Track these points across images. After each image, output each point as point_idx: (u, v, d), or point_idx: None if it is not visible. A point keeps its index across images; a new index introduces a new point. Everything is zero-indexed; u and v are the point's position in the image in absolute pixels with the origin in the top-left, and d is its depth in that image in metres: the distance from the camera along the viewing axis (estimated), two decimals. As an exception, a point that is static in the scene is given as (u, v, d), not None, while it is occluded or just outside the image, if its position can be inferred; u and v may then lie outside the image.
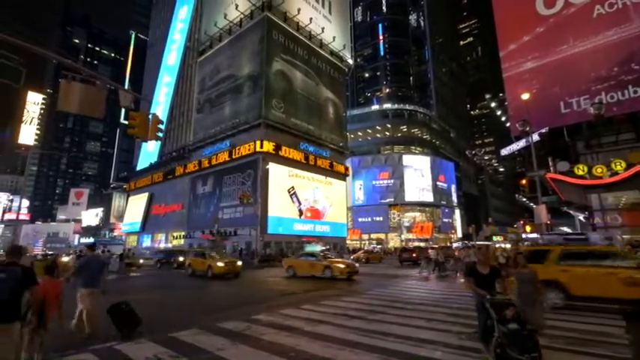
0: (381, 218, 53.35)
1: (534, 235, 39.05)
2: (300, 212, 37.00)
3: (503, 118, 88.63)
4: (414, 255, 25.19)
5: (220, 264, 17.23)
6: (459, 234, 60.04)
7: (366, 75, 71.34)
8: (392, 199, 53.45)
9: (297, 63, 40.74)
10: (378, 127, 63.46)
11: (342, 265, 15.99)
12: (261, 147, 34.20)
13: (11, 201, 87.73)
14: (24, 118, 68.78)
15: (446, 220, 58.07)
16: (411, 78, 69.21)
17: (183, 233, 41.96)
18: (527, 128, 17.35)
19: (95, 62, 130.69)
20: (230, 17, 41.74)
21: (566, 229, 34.56)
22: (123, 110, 73.07)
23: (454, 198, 62.04)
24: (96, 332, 5.94)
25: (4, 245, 57.15)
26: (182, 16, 56.63)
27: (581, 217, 24.54)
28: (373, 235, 53.44)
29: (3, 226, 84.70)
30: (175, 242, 43.28)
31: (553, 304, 7.80)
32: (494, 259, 17.26)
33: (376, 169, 55.53)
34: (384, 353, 5.04)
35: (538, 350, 3.76)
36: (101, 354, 5.17)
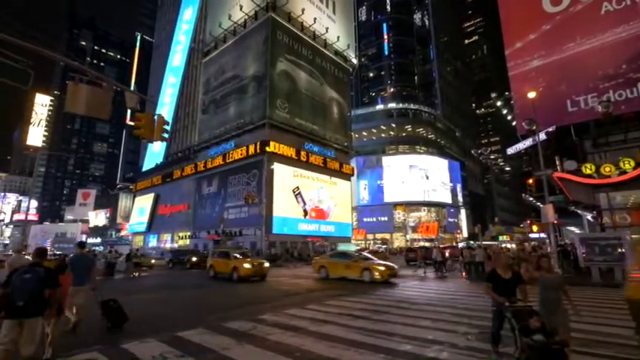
0: (386, 218, 53.20)
1: (541, 235, 38.70)
2: (305, 212, 37.02)
3: (509, 117, 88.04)
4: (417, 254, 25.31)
5: (247, 265, 15.71)
6: (465, 234, 59.66)
7: (371, 74, 71.17)
8: (403, 199, 53.25)
9: (301, 63, 40.77)
10: (382, 127, 63.29)
11: (382, 267, 14.35)
12: (266, 147, 34.26)
13: (20, 202, 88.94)
14: (32, 120, 69.73)
15: (451, 219, 57.75)
16: (416, 77, 68.91)
17: (188, 233, 42.20)
18: (534, 127, 17.18)
19: (101, 64, 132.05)
20: (234, 18, 41.89)
21: (574, 228, 34.18)
22: (129, 111, 73.68)
23: (460, 197, 61.67)
24: (81, 323, 6.13)
25: (14, 245, 57.94)
26: (187, 17, 56.97)
27: (589, 216, 24.24)
28: (378, 235, 53.29)
29: (12, 226, 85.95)
30: (181, 242, 43.54)
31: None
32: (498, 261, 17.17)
33: (381, 169, 55.37)
34: (390, 354, 5.03)
35: None
36: (108, 353, 5.22)
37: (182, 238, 43.71)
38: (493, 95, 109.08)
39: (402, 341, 5.66)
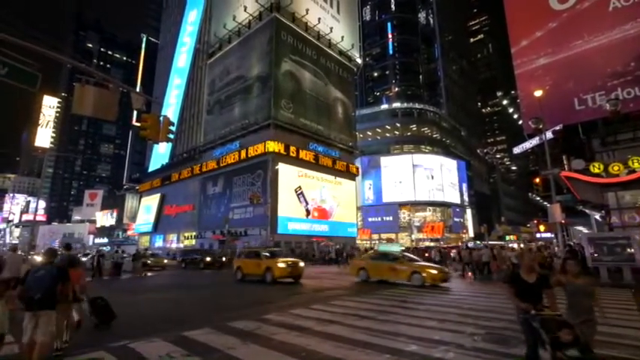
0: (391, 218, 53.03)
1: (548, 235, 38.35)
2: (308, 212, 36.92)
3: (515, 116, 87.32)
4: (426, 254, 25.22)
5: (282, 265, 14.39)
6: (471, 234, 59.26)
7: (375, 74, 70.94)
8: (402, 199, 53.07)
9: (305, 63, 40.80)
10: (387, 127, 63.07)
11: (434, 271, 13.29)
12: (271, 147, 34.34)
13: (28, 202, 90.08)
14: (40, 122, 70.56)
15: (457, 219, 57.38)
16: (421, 76, 68.56)
17: (194, 233, 42.44)
18: (541, 126, 17.02)
19: (108, 66, 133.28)
20: (239, 19, 42.03)
21: (581, 228, 33.79)
22: (135, 112, 74.25)
23: (465, 197, 61.24)
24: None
25: (23, 245, 58.62)
26: (192, 19, 57.28)
27: (597, 216, 23.94)
28: (383, 235, 53.12)
29: (21, 226, 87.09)
30: (187, 242, 43.80)
31: None
32: (502, 261, 16.99)
33: (386, 169, 55.16)
34: (396, 354, 5.01)
35: None
36: (115, 352, 5.26)
37: (188, 238, 43.97)
38: (499, 94, 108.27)
39: (408, 341, 5.64)
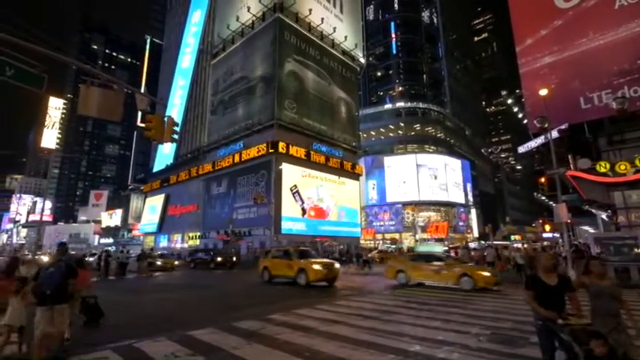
0: (395, 218, 52.88)
1: (554, 235, 38.06)
2: (304, 211, 36.26)
3: (520, 115, 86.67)
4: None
5: (317, 267, 13.07)
6: (475, 233, 58.94)
7: (379, 74, 70.78)
8: (406, 199, 52.90)
9: (309, 63, 40.80)
10: (391, 126, 62.90)
11: (486, 273, 12.18)
12: (274, 148, 34.38)
13: (35, 203, 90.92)
14: (46, 123, 71.25)
15: (461, 219, 57.10)
16: (424, 76, 68.29)
17: (198, 233, 42.60)
18: (546, 125, 16.88)
19: (112, 67, 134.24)
20: (242, 20, 42.13)
21: (588, 228, 33.49)
22: (139, 113, 74.77)
23: (470, 197, 60.90)
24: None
25: (30, 245, 59.24)
26: (195, 19, 57.50)
27: (603, 215, 23.73)
28: (387, 235, 53.01)
29: (28, 227, 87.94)
30: (191, 242, 43.97)
31: None
32: (506, 261, 16.89)
33: (389, 169, 55.03)
34: (400, 354, 4.99)
35: None
36: (121, 351, 5.29)
37: (192, 239, 44.14)
38: (504, 93, 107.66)
39: (412, 342, 5.61)
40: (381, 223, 53.51)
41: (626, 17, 19.09)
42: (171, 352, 5.18)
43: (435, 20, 73.18)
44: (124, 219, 78.17)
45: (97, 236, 76.67)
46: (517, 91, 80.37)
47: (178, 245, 46.81)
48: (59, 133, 76.63)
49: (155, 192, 55.80)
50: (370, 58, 65.72)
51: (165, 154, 57.57)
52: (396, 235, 52.38)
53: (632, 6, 19.04)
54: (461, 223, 56.40)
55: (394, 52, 67.96)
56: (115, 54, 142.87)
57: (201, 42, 54.57)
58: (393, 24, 68.57)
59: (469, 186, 60.83)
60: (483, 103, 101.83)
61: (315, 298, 10.72)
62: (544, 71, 21.88)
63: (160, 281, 17.84)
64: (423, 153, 56.91)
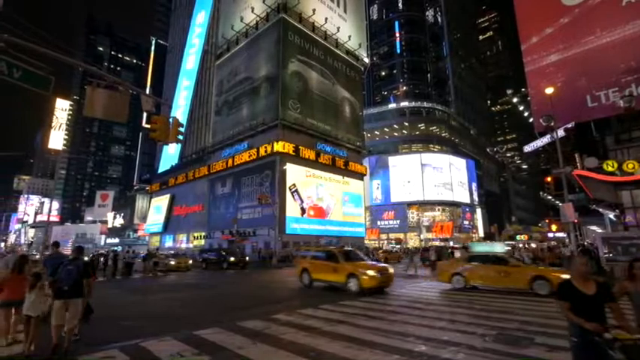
0: (400, 218, 52.76)
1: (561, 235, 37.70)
2: (303, 210, 35.90)
3: (525, 114, 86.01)
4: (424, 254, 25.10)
5: (373, 273, 11.28)
6: (481, 233, 58.60)
7: (383, 73, 70.62)
8: (410, 199, 52.76)
9: (313, 63, 40.82)
10: (395, 126, 62.74)
11: (565, 276, 9.69)
12: (278, 148, 34.44)
13: (42, 203, 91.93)
14: (53, 124, 71.99)
15: (466, 219, 56.80)
16: (429, 75, 68.02)
17: (203, 233, 42.81)
18: (552, 123, 16.74)
19: (118, 69, 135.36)
20: (246, 20, 42.26)
21: (595, 228, 33.14)
22: (145, 114, 75.31)
23: (475, 196, 60.57)
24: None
25: (37, 245, 59.94)
26: (200, 20, 57.79)
27: (611, 215, 23.47)
28: (392, 235, 52.90)
29: (35, 227, 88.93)
30: (196, 242, 44.21)
31: None
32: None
33: (394, 168, 54.91)
34: (405, 354, 4.98)
35: None
36: (128, 350, 5.34)
37: (197, 239, 44.38)
38: (509, 92, 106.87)
39: (418, 342, 5.60)
40: (386, 222, 53.43)
41: (633, 14, 18.85)
42: (177, 352, 5.21)
43: (440, 19, 72.86)
44: (130, 219, 78.75)
45: (103, 236, 77.33)
46: (523, 89, 79.89)
47: (184, 245, 47.08)
48: (66, 134, 77.30)
49: (160, 192, 56.18)
50: (374, 58, 65.58)
51: (170, 154, 57.94)
52: (401, 235, 52.27)
53: (639, 3, 18.80)
54: (466, 223, 56.10)
55: (398, 51, 67.76)
56: (120, 56, 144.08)
57: (205, 43, 54.83)
58: (397, 23, 68.37)
59: (474, 185, 60.48)
60: (488, 102, 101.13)
61: (318, 298, 10.73)
62: (550, 69, 21.68)
63: (169, 281, 17.91)
64: (428, 152, 56.69)
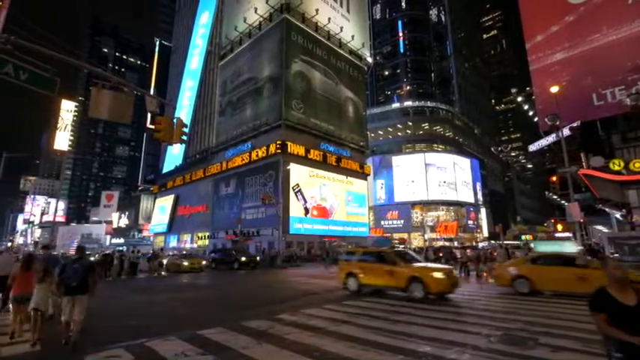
0: (404, 218, 52.59)
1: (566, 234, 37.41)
2: (306, 210, 35.91)
3: (530, 113, 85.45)
4: (440, 254, 24.95)
5: (439, 275, 9.97)
6: (485, 233, 58.26)
7: (386, 73, 70.42)
8: (414, 198, 52.56)
9: (316, 63, 40.83)
10: (399, 126, 62.55)
11: None
12: (282, 148, 34.48)
13: (48, 203, 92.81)
14: (59, 125, 72.64)
15: (471, 219, 56.50)
16: (433, 74, 67.73)
17: (207, 234, 42.97)
18: (557, 122, 16.62)
19: (122, 70, 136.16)
20: (250, 21, 42.37)
21: (601, 227, 32.82)
22: (149, 115, 75.83)
23: (479, 196, 60.23)
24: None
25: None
26: (203, 21, 58.01)
27: (618, 215, 23.24)
28: (396, 235, 52.74)
29: (41, 227, 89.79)
30: (200, 242, 44.39)
31: None
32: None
33: (398, 168, 54.75)
34: (410, 355, 4.96)
35: None
36: (133, 350, 5.38)
37: (201, 239, 44.56)
38: (513, 91, 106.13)
39: (422, 342, 5.58)
40: (390, 222, 53.28)
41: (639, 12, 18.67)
42: (182, 351, 5.24)
43: (443, 18, 72.55)
44: (135, 219, 79.25)
45: (108, 236, 77.89)
46: (527, 88, 79.26)
47: (188, 245, 47.28)
48: (71, 135, 78.02)
49: (165, 193, 56.46)
50: (377, 57, 65.47)
51: (174, 155, 58.22)
52: (405, 235, 52.09)
53: (646, 0, 18.62)
54: (470, 223, 55.83)
55: (402, 50, 67.54)
56: (124, 57, 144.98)
57: (209, 43, 55.04)
58: (400, 22, 68.16)
59: (478, 185, 60.17)
60: (493, 101, 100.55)
61: (321, 298, 10.73)
62: (555, 68, 21.53)
63: (174, 281, 17.97)
64: (432, 152, 56.46)
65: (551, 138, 21.94)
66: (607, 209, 23.41)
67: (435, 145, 59.51)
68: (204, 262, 23.23)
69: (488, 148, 78.11)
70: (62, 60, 8.86)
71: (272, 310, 8.54)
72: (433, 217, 53.48)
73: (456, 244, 41.73)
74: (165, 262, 24.30)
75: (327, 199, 38.33)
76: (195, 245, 45.14)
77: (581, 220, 16.61)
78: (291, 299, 10.55)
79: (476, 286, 13.66)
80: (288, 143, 34.96)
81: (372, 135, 57.21)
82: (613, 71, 18.94)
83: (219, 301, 11.09)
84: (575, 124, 19.13)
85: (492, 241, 45.63)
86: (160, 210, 57.71)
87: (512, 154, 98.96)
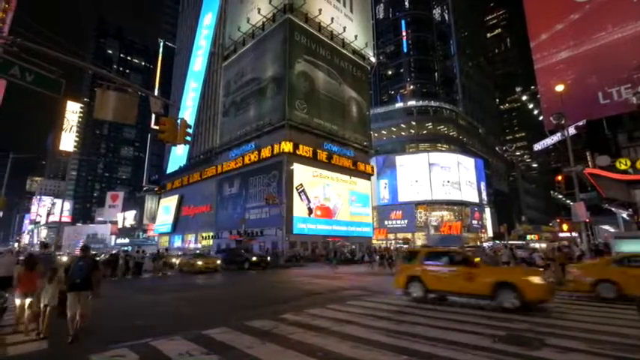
0: (408, 218, 52.43)
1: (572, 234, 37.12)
2: (310, 210, 35.84)
3: (535, 112, 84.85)
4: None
5: (536, 279, 8.31)
6: (490, 233, 57.94)
7: (390, 72, 70.25)
8: (418, 198, 52.40)
9: (319, 63, 40.83)
10: (402, 125, 62.39)
11: None
12: (285, 148, 34.52)
13: (54, 204, 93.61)
14: (64, 126, 73.21)
15: (475, 218, 56.22)
16: (436, 74, 67.47)
17: (211, 234, 43.13)
18: (562, 121, 16.48)
19: (127, 71, 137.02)
20: (253, 21, 42.46)
21: (608, 227, 32.53)
22: (153, 116, 76.25)
23: (484, 196, 59.91)
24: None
25: (50, 245, 60.95)
26: (207, 22, 58.23)
27: (624, 214, 23.01)
28: (400, 235, 52.60)
29: (47, 227, 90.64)
30: (204, 242, 44.57)
31: None
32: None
33: (401, 168, 54.61)
34: (414, 355, 4.95)
35: None
36: (138, 349, 5.41)
37: (205, 239, 44.73)
38: (518, 89, 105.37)
39: (426, 343, 5.56)
40: (393, 222, 53.15)
41: (646, 9, 18.48)
42: (186, 351, 5.26)
43: (447, 17, 72.25)
44: (139, 219, 79.73)
45: (113, 236, 78.43)
46: (532, 87, 78.80)
47: (192, 245, 47.48)
48: (77, 136, 78.46)
49: (169, 193, 56.75)
50: (381, 57, 65.33)
51: (178, 155, 58.49)
52: (409, 235, 51.96)
53: (652, -3, 18.43)
54: (475, 223, 55.55)
55: (405, 50, 67.34)
56: (129, 58, 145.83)
57: (212, 44, 55.23)
58: (403, 22, 67.96)
59: (483, 185, 59.84)
60: (497, 100, 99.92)
61: (325, 298, 10.72)
62: (560, 66, 21.39)
63: (178, 281, 18.05)
64: (436, 152, 56.26)
65: (556, 137, 21.77)
66: (613, 209, 23.20)
67: (439, 145, 59.30)
68: (218, 262, 22.39)
69: (493, 148, 77.69)
70: (67, 62, 8.94)
71: (276, 310, 8.56)
72: (437, 216, 53.28)
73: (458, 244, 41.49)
74: (177, 261, 24.22)
75: (330, 199, 38.29)
76: (199, 245, 45.32)
77: (587, 220, 16.46)
78: (295, 299, 10.56)
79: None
80: (292, 143, 34.93)
81: (376, 135, 57.11)
82: (619, 69, 18.77)
83: (222, 300, 11.13)
84: (580, 123, 18.98)
85: (497, 241, 45.36)
86: (164, 210, 58.01)
87: (517, 153, 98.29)
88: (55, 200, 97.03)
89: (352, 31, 45.93)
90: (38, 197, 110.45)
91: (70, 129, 72.96)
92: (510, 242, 35.79)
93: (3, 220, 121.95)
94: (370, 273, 19.95)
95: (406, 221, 52.30)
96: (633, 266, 9.70)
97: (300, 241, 34.51)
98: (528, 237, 46.72)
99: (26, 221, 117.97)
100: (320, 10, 41.42)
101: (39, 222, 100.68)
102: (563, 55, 21.30)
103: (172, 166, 60.10)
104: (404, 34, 67.44)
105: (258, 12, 41.34)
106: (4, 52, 8.40)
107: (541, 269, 11.27)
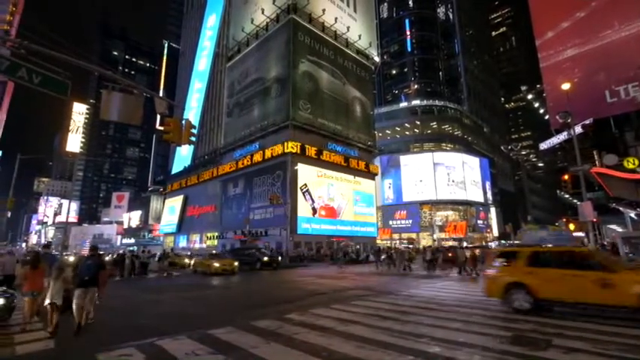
0: (412, 217, 52.27)
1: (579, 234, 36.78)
2: (314, 210, 35.76)
3: (541, 111, 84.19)
4: (450, 254, 24.52)
5: None
6: (495, 233, 57.58)
7: (394, 72, 70.05)
8: (423, 198, 52.21)
9: (323, 63, 40.82)
10: (406, 125, 62.19)
11: None
12: (289, 148, 34.56)
13: (61, 204, 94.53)
14: (70, 128, 73.94)
15: (480, 218, 55.89)
16: (441, 73, 67.18)
17: (216, 234, 43.30)
18: (569, 120, 16.32)
19: (132, 72, 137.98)
20: (257, 22, 42.57)
21: (615, 227, 32.18)
22: (158, 117, 76.77)
23: (489, 195, 59.56)
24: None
25: (56, 245, 61.63)
26: (211, 23, 58.49)
27: (632, 214, 22.75)
28: (404, 235, 52.44)
29: (54, 228, 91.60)
30: (209, 242, 44.76)
31: None
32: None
33: (406, 167, 54.44)
34: (419, 355, 4.93)
35: None
36: (144, 349, 5.45)
37: (210, 239, 44.92)
38: (523, 88, 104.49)
39: (432, 343, 5.54)
40: (398, 222, 53.03)
41: (654, 6, 18.24)
42: (192, 351, 5.29)
43: (451, 16, 71.87)
44: (145, 220, 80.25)
45: (119, 237, 79.05)
46: (538, 85, 78.11)
47: (197, 245, 47.72)
48: (83, 137, 79.38)
49: (174, 193, 57.07)
50: (385, 57, 65.19)
51: (183, 156, 58.83)
52: (413, 235, 51.81)
53: (660, -6, 18.19)
54: (480, 222, 55.25)
55: (409, 49, 67.13)
56: (134, 59, 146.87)
57: (216, 45, 55.47)
58: (407, 21, 67.77)
59: (488, 184, 59.49)
60: (502, 99, 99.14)
61: (329, 298, 10.72)
62: (566, 65, 21.18)
63: (183, 281, 18.12)
64: (440, 151, 56.03)
65: (562, 136, 21.57)
66: (621, 208, 22.93)
67: (444, 144, 59.04)
68: (236, 264, 20.71)
69: (498, 147, 77.14)
70: (74, 63, 9.02)
71: (280, 310, 8.57)
72: (442, 216, 53.07)
73: (465, 244, 41.27)
74: (191, 262, 23.97)
75: (334, 199, 38.26)
76: (204, 245, 45.54)
77: (594, 220, 16.30)
78: (300, 299, 10.57)
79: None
80: (296, 143, 34.97)
81: (380, 134, 56.97)
82: (626, 67, 18.54)
83: (227, 300, 11.17)
84: (587, 122, 18.77)
85: (502, 241, 45.08)
86: (169, 210, 58.35)
87: (523, 152, 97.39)
88: (62, 201, 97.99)
89: (356, 30, 45.86)
90: (45, 198, 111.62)
91: (77, 130, 73.62)
92: (516, 242, 35.52)
93: (11, 220, 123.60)
94: (375, 273, 19.89)
95: (410, 221, 52.15)
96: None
97: (305, 241, 34.53)
98: (534, 237, 46.26)
99: (34, 221, 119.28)
100: (324, 10, 41.41)
101: (46, 222, 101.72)
102: (569, 53, 21.10)
103: (177, 166, 60.45)
104: (408, 33, 67.23)
105: (262, 12, 41.43)
106: (12, 54, 8.52)
107: None
